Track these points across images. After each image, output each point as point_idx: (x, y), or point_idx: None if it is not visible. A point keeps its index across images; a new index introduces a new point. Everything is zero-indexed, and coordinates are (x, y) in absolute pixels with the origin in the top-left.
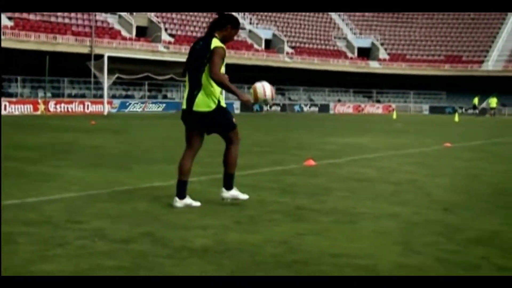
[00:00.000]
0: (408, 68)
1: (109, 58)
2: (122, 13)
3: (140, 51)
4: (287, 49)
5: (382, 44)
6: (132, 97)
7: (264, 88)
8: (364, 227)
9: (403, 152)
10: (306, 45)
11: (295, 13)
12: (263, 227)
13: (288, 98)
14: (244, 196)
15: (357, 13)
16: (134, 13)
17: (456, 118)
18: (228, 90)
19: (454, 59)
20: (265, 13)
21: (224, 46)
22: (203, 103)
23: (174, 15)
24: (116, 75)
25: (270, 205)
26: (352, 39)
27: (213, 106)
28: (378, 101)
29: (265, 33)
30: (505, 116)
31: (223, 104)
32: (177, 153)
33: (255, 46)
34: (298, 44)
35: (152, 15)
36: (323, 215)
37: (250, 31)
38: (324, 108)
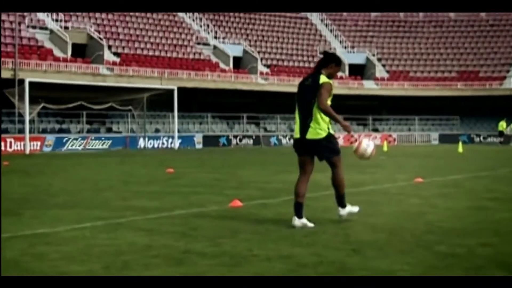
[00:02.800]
0: (412, 88)
1: (32, 84)
2: (55, 27)
3: (76, 74)
4: (261, 68)
5: (379, 60)
6: (68, 131)
7: (368, 147)
8: (245, 270)
9: (358, 189)
10: (285, 63)
11: (271, 25)
12: (132, 272)
13: (263, 128)
14: (355, 209)
15: (348, 23)
16: (70, 28)
17: (460, 149)
18: (333, 118)
19: (469, 76)
20: (234, 26)
21: (331, 82)
22: (315, 132)
23: (120, 29)
24: (42, 105)
25: (156, 250)
26: (343, 54)
27: (324, 134)
28: (376, 130)
29: (234, 50)
30: None
31: (331, 131)
32: (86, 195)
33: (221, 65)
34: (275, 62)
35: (92, 30)
36: (208, 258)
37: (215, 47)
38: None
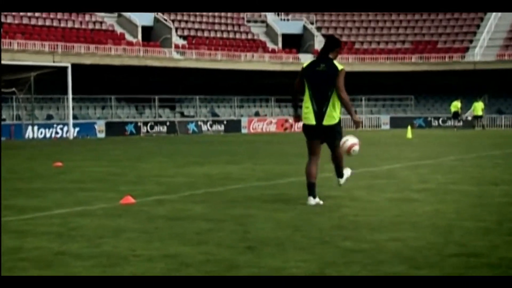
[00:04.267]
0: (357, 63)
1: None
2: None
3: None
4: (176, 40)
5: (319, 29)
6: None
7: (344, 143)
8: (122, 270)
9: (276, 182)
10: (205, 34)
11: None
12: None
13: (180, 113)
14: (348, 171)
15: None
16: None
17: (409, 134)
18: (348, 109)
19: (426, 48)
20: None
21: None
22: (331, 117)
23: None
24: None
25: (26, 252)
26: (275, 23)
27: (337, 119)
28: None
29: (143, 18)
30: (501, 128)
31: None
32: None
33: (128, 37)
34: (192, 33)
35: None
36: (82, 260)
37: (119, 14)
38: (233, 126)
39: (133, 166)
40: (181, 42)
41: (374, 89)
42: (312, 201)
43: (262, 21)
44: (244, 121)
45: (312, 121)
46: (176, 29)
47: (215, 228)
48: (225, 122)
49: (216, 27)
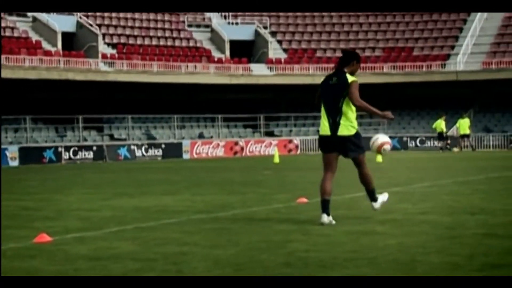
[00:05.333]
0: (320, 74)
1: None
2: None
3: None
4: (103, 49)
5: (273, 34)
6: None
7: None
8: None
9: (217, 215)
10: (138, 41)
11: None
12: None
13: (109, 136)
14: (385, 197)
15: None
16: None
17: (379, 158)
18: (370, 111)
19: (400, 55)
20: None
21: (357, 79)
22: (345, 128)
23: None
24: None
25: None
26: (221, 28)
27: (354, 131)
28: (270, 134)
29: (64, 23)
30: (489, 149)
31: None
32: None
33: (45, 45)
34: (123, 40)
35: None
36: None
37: (34, 19)
38: (173, 151)
39: (51, 199)
40: (109, 51)
41: None
42: (325, 218)
43: (206, 26)
44: (185, 144)
45: (327, 132)
46: (104, 35)
47: (144, 268)
48: (163, 146)
49: (151, 32)
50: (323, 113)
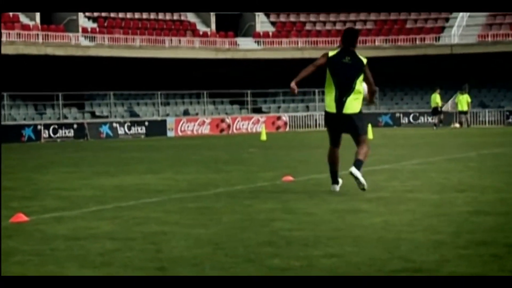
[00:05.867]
0: (309, 47)
1: None
2: None
3: None
4: (83, 22)
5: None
6: None
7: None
8: None
9: (199, 193)
10: (120, 14)
11: None
12: None
13: (90, 113)
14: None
15: None
16: None
17: (370, 134)
18: (370, 92)
19: (392, 28)
20: None
21: None
22: (352, 107)
23: None
24: None
25: None
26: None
27: (358, 109)
28: (258, 110)
29: None
30: (484, 125)
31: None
32: None
33: (23, 19)
34: (104, 13)
35: None
36: None
37: None
38: (157, 128)
39: (29, 178)
40: (90, 24)
41: None
42: (336, 188)
43: None
44: (170, 121)
45: (333, 109)
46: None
47: (122, 247)
48: (146, 124)
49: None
50: (330, 89)
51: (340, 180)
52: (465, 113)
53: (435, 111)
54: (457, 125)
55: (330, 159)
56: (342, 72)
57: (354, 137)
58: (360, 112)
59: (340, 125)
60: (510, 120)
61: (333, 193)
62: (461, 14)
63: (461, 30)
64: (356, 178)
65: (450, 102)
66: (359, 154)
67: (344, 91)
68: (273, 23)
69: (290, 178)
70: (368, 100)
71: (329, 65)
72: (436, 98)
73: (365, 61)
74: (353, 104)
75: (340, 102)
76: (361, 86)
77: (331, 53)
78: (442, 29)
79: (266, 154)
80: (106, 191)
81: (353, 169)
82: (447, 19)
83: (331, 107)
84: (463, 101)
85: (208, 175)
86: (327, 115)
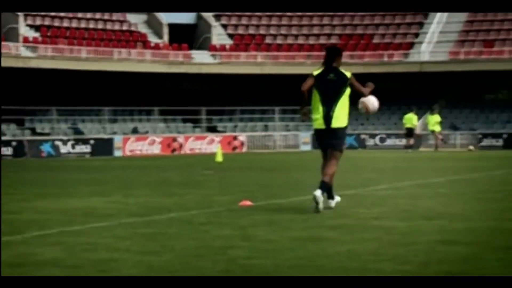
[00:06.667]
0: (270, 62)
1: None
2: None
3: None
4: (25, 31)
5: (217, 18)
6: None
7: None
8: None
9: (151, 218)
10: (65, 23)
11: None
12: None
13: (30, 130)
14: (338, 198)
15: None
16: None
17: None
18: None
19: (358, 43)
20: None
21: None
22: (338, 121)
23: None
24: None
25: None
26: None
27: (345, 123)
28: (213, 129)
29: None
30: (455, 149)
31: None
32: None
33: None
34: (47, 22)
35: None
36: None
37: None
38: (103, 147)
39: None
40: (31, 34)
41: (292, 97)
42: (318, 192)
43: None
44: (117, 140)
45: (322, 125)
46: (25, 16)
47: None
48: (92, 142)
49: (80, 14)
50: (316, 106)
51: (338, 197)
52: (435, 133)
53: (410, 133)
54: (471, 147)
55: (325, 171)
56: (328, 88)
57: (329, 150)
58: (346, 127)
59: (329, 140)
60: (482, 143)
61: (294, 220)
62: (431, 29)
63: (432, 47)
64: (317, 204)
65: (419, 123)
66: (325, 175)
67: (330, 107)
68: (230, 36)
69: (248, 202)
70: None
71: (315, 82)
72: (412, 119)
73: (349, 74)
74: (340, 119)
75: (327, 117)
76: (347, 100)
77: (315, 72)
78: (411, 45)
79: (222, 177)
80: (49, 214)
81: (332, 203)
82: (416, 35)
83: (320, 124)
84: (432, 121)
85: (160, 198)
86: (317, 131)
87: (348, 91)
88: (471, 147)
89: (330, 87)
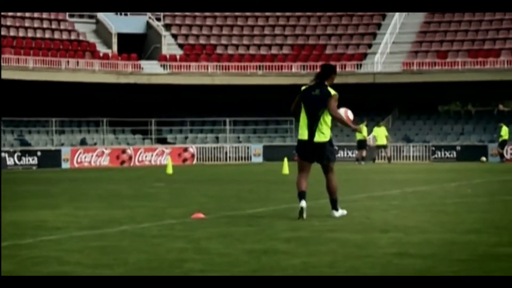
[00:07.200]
0: (220, 73)
1: None
2: None
3: None
4: None
5: (167, 27)
6: None
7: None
8: None
9: (102, 231)
10: (11, 33)
11: None
12: None
13: None
14: (345, 211)
15: None
16: None
17: (286, 169)
18: (343, 123)
19: (311, 54)
20: None
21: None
22: (320, 135)
23: None
24: None
25: None
26: (108, 19)
27: (328, 137)
28: (163, 141)
29: None
30: (409, 161)
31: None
32: None
33: None
34: None
35: None
36: None
37: None
38: (51, 159)
39: None
40: None
41: (243, 109)
42: (303, 203)
43: (91, 16)
44: (65, 152)
45: (305, 137)
46: None
47: None
48: (39, 154)
49: (27, 23)
50: (303, 120)
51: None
52: (384, 147)
53: (362, 145)
54: (483, 158)
55: (298, 183)
56: (310, 103)
57: (322, 165)
58: (330, 140)
59: (311, 152)
60: (436, 156)
61: (248, 233)
62: (384, 40)
63: (385, 57)
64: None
65: (371, 136)
66: (331, 193)
67: (313, 121)
68: (180, 46)
69: (200, 215)
70: (352, 129)
71: (302, 98)
72: (363, 131)
73: (332, 93)
74: (323, 134)
75: (311, 130)
76: (328, 118)
77: (303, 88)
78: (364, 56)
79: (173, 189)
80: (6, 226)
81: (335, 214)
82: (369, 45)
83: (303, 135)
84: (381, 134)
85: (110, 211)
86: (299, 142)
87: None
88: (483, 158)
89: (313, 102)
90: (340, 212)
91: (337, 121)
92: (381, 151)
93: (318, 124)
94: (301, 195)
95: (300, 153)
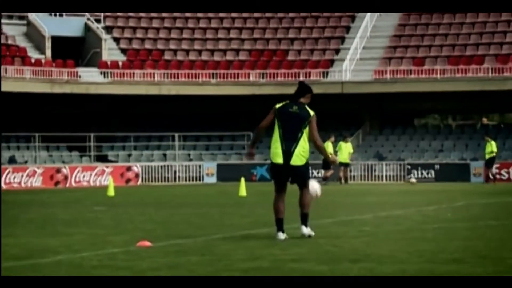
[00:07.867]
0: (168, 82)
1: None
2: None
3: None
4: None
5: (108, 30)
6: None
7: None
8: None
9: (36, 261)
10: None
11: None
12: None
13: None
14: (312, 233)
15: None
16: None
17: (243, 190)
18: (324, 154)
19: (271, 60)
20: None
21: None
22: (299, 159)
23: None
24: None
25: None
26: (40, 20)
27: (305, 160)
28: (104, 159)
29: None
30: (380, 182)
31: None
32: None
33: None
34: None
35: None
36: None
37: None
38: None
39: None
40: None
41: (194, 122)
42: (281, 236)
43: (21, 17)
44: None
45: (280, 160)
46: None
47: None
48: None
49: None
50: (276, 139)
51: (285, 235)
52: (346, 165)
53: (327, 164)
54: (413, 179)
55: (275, 207)
56: (289, 121)
57: (299, 186)
58: (307, 163)
59: (287, 175)
60: (411, 177)
61: (200, 263)
62: (354, 44)
63: (354, 65)
64: (309, 236)
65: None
66: (303, 206)
67: (290, 141)
68: (123, 51)
69: (146, 243)
70: (330, 161)
71: (277, 115)
72: (328, 148)
73: (312, 113)
74: (300, 156)
75: (287, 153)
76: (307, 138)
77: (278, 105)
78: (331, 62)
79: (116, 214)
80: None
81: (304, 230)
82: (337, 51)
83: (278, 158)
84: (346, 151)
85: (44, 239)
86: (274, 166)
87: (308, 128)
88: (413, 180)
89: (292, 120)
90: (309, 230)
91: (316, 148)
92: (344, 170)
93: (297, 146)
94: (279, 225)
95: (276, 176)
